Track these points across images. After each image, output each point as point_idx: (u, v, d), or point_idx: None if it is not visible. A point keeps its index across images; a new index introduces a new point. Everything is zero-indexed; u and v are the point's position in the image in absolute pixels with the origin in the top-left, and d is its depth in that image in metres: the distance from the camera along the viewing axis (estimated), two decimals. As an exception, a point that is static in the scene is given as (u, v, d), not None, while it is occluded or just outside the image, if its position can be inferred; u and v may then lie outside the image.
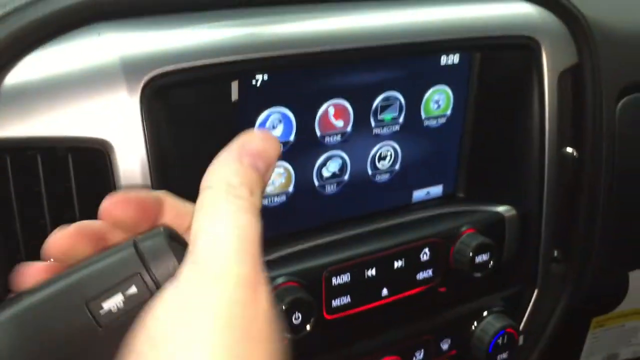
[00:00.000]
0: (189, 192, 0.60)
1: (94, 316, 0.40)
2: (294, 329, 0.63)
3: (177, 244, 0.43)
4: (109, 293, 0.41)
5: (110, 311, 0.41)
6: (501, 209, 0.79)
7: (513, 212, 0.80)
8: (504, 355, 0.80)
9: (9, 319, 0.41)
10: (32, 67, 0.53)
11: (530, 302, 0.86)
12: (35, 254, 0.55)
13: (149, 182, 0.56)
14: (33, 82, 0.53)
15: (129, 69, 0.54)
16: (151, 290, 0.41)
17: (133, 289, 0.41)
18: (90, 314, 0.40)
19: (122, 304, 0.41)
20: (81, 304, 0.40)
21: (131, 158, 0.55)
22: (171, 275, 0.41)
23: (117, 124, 0.54)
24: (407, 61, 0.71)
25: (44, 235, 0.54)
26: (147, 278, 0.41)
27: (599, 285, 0.97)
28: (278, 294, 0.63)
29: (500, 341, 0.80)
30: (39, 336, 0.40)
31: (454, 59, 0.74)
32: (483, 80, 0.77)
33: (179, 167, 0.59)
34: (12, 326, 0.40)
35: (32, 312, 0.41)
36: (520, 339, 0.83)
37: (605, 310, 1.05)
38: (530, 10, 0.78)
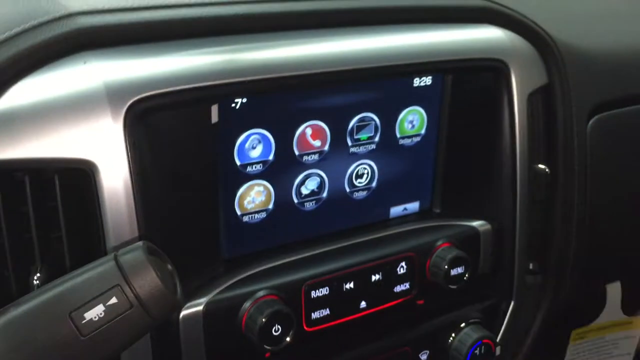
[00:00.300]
0: (170, 210, 0.64)
1: (76, 326, 0.43)
2: (274, 341, 0.66)
3: (156, 258, 0.47)
4: (90, 304, 0.44)
5: (91, 321, 0.43)
6: (476, 223, 0.82)
7: (487, 226, 0.83)
8: (482, 365, 0.83)
9: None
10: (21, 93, 0.56)
11: (507, 313, 0.88)
12: (22, 271, 0.58)
13: (132, 201, 0.59)
14: (22, 107, 0.56)
15: (112, 94, 0.58)
16: (131, 301, 0.44)
17: (113, 300, 0.44)
18: (73, 324, 0.43)
19: (103, 314, 0.44)
20: (64, 314, 0.43)
21: (115, 178, 0.58)
22: (150, 286, 0.44)
23: (102, 146, 0.58)
24: (382, 84, 0.75)
25: (32, 252, 0.58)
26: (127, 289, 0.44)
27: (577, 297, 0.99)
28: (258, 307, 0.66)
29: (477, 352, 0.82)
30: (24, 346, 0.43)
31: (426, 80, 0.78)
32: (455, 101, 0.80)
33: (161, 186, 0.62)
34: None
35: (17, 323, 0.44)
36: (498, 350, 0.85)
37: (584, 322, 1.08)
38: (500, 34, 0.81)
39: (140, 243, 0.46)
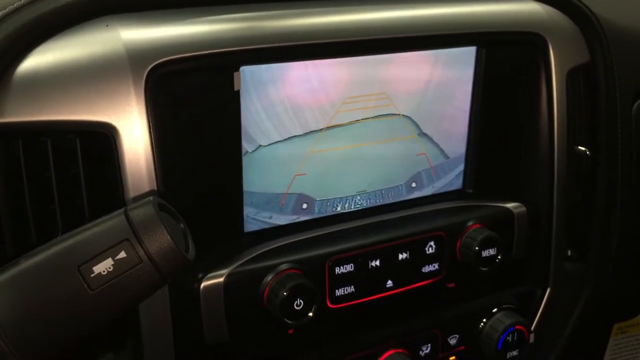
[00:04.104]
0: (192, 177, 0.63)
1: (85, 279, 0.43)
2: (296, 316, 0.65)
3: (165, 214, 0.46)
4: (99, 257, 0.43)
5: (100, 275, 0.43)
6: (510, 205, 0.79)
7: (522, 208, 0.80)
8: (514, 352, 0.80)
9: (6, 281, 0.43)
10: (44, 56, 0.56)
11: (542, 301, 0.85)
12: (45, 238, 0.58)
13: (152, 166, 0.58)
14: (45, 70, 0.56)
15: (134, 58, 0.57)
16: (140, 256, 0.43)
17: (122, 254, 0.43)
18: (82, 277, 0.43)
19: (112, 267, 0.43)
20: (73, 267, 0.43)
21: (135, 143, 0.58)
22: (159, 242, 0.43)
23: (123, 110, 0.57)
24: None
25: (54, 220, 0.58)
26: (136, 244, 0.43)
27: (620, 289, 0.95)
28: (280, 281, 0.65)
29: (509, 338, 0.79)
30: (33, 297, 0.43)
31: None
32: (490, 76, 0.77)
33: (182, 153, 0.61)
34: (8, 288, 0.43)
35: (26, 275, 0.43)
36: (531, 337, 0.82)
37: (628, 315, 1.03)
38: (538, 8, 0.79)
39: (150, 198, 0.45)
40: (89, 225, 0.45)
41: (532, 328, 0.84)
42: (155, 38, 0.59)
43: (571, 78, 0.80)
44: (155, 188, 0.58)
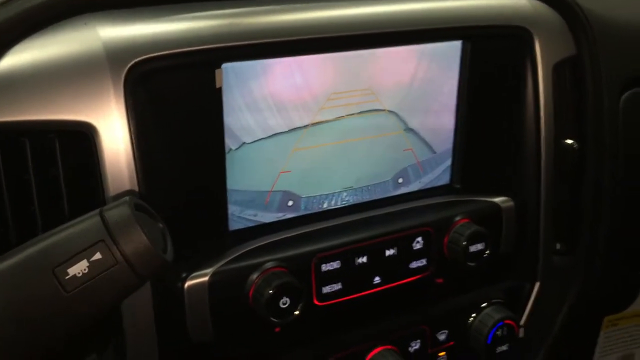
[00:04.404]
0: (174, 176, 0.62)
1: (59, 282, 0.42)
2: (282, 314, 0.64)
3: (142, 213, 0.45)
4: (74, 259, 0.42)
5: (75, 277, 0.42)
6: (498, 199, 0.79)
7: (510, 202, 0.79)
8: (504, 347, 0.80)
9: None
10: (22, 55, 0.56)
11: (531, 295, 0.85)
12: (25, 241, 0.57)
13: (132, 166, 0.58)
14: (23, 69, 0.55)
15: (112, 56, 0.57)
16: (115, 258, 0.43)
17: (97, 255, 0.43)
18: (57, 280, 0.42)
19: (87, 269, 0.42)
20: (48, 269, 0.42)
21: (115, 142, 0.57)
22: (135, 243, 0.43)
23: (102, 109, 0.57)
24: (396, 51, 0.72)
25: (34, 222, 0.57)
26: (112, 245, 0.43)
27: (609, 282, 0.95)
28: (266, 279, 0.64)
29: (499, 333, 0.79)
30: (8, 300, 0.42)
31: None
32: (475, 70, 0.77)
33: (163, 152, 0.61)
34: None
35: (1, 277, 0.43)
36: (521, 332, 0.82)
37: (618, 308, 1.03)
38: (523, 1, 0.78)
39: (126, 198, 0.45)
40: (64, 226, 0.44)
41: (522, 322, 0.84)
42: (134, 36, 0.58)
43: (557, 71, 0.80)
44: (137, 188, 0.58)
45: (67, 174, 0.57)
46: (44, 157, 0.57)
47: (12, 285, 0.42)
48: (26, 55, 0.56)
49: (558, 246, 0.87)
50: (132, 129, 0.57)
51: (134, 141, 0.57)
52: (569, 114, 0.83)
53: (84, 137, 0.57)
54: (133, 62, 0.57)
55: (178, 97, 0.61)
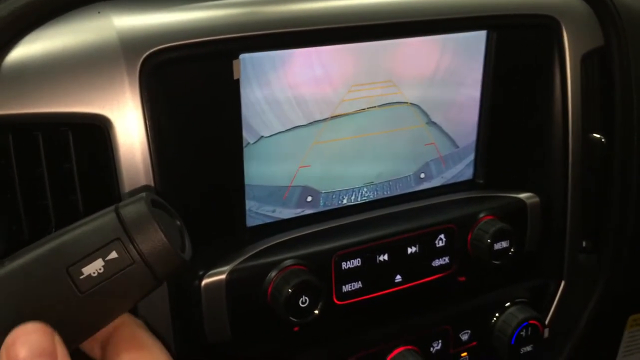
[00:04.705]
0: (190, 171, 0.60)
1: (74, 282, 0.40)
2: (301, 313, 0.62)
3: (159, 210, 0.43)
4: (89, 258, 0.40)
5: (90, 276, 0.40)
6: (523, 195, 0.77)
7: (536, 199, 0.77)
8: (528, 348, 0.77)
9: None
10: (33, 45, 0.54)
11: (557, 294, 0.82)
12: (38, 235, 0.55)
13: (148, 161, 0.56)
14: (34, 60, 0.53)
15: (127, 46, 0.55)
16: (132, 257, 0.41)
17: (113, 254, 0.41)
18: (71, 280, 0.40)
19: (102, 269, 0.40)
20: (62, 269, 0.40)
21: (130, 135, 0.55)
22: (153, 241, 0.41)
23: (117, 101, 0.55)
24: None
25: (47, 217, 0.55)
26: (128, 243, 0.41)
27: (635, 280, 0.92)
28: (285, 277, 0.62)
29: (523, 333, 0.76)
30: (20, 300, 0.40)
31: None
32: (500, 62, 0.74)
33: (180, 146, 0.59)
34: None
35: (12, 277, 0.41)
36: (546, 332, 0.79)
37: (643, 307, 1.00)
38: (551, -11, 0.75)
39: (142, 194, 0.43)
40: (78, 223, 0.42)
41: (546, 322, 0.81)
42: (149, 25, 0.56)
43: (585, 62, 0.77)
44: (152, 183, 0.56)
45: (81, 168, 0.56)
46: (58, 151, 0.55)
47: (25, 285, 0.40)
48: (38, 45, 0.54)
49: (584, 244, 0.84)
50: (147, 122, 0.55)
51: (149, 134, 0.55)
52: (597, 107, 0.80)
53: (98, 130, 0.55)
54: (148, 52, 0.55)
55: (194, 89, 0.59)
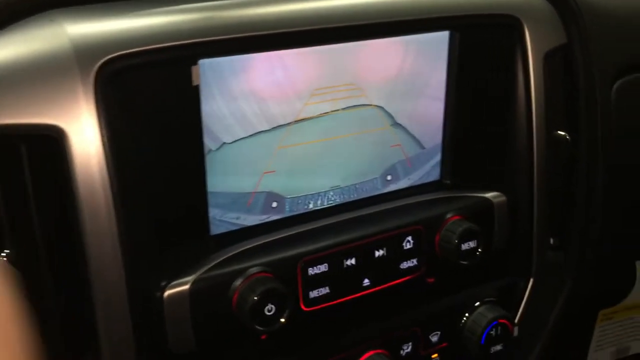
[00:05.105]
0: (150, 180, 0.59)
1: None
2: (268, 321, 0.61)
3: None
4: None
5: None
6: (489, 195, 0.77)
7: (502, 198, 0.77)
8: (498, 347, 0.77)
9: None
10: (-18, 55, 0.52)
11: (525, 292, 0.82)
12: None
13: (105, 171, 0.54)
14: (-16, 70, 0.52)
15: (81, 54, 0.53)
16: None
17: None
18: None
19: None
20: None
21: (86, 145, 0.54)
22: None
23: (71, 111, 0.53)
24: (382, 43, 0.69)
25: (1, 232, 0.54)
26: None
27: (603, 276, 0.93)
28: (250, 285, 0.61)
29: (493, 332, 0.76)
30: None
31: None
32: (464, 62, 0.74)
33: (138, 155, 0.57)
34: None
35: None
36: (515, 331, 0.80)
37: (612, 302, 1.01)
38: (512, -12, 0.75)
39: None
40: None
41: (516, 320, 0.81)
42: (104, 32, 0.55)
43: (548, 61, 0.77)
44: (110, 193, 0.54)
45: (36, 180, 0.54)
46: (10, 162, 0.53)
47: None
48: (-12, 55, 0.52)
49: (552, 241, 0.84)
50: (103, 132, 0.54)
51: (106, 144, 0.54)
52: (561, 104, 0.80)
53: (53, 141, 0.53)
54: (103, 60, 0.53)
55: (152, 96, 0.58)
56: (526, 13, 0.75)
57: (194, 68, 0.59)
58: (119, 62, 0.54)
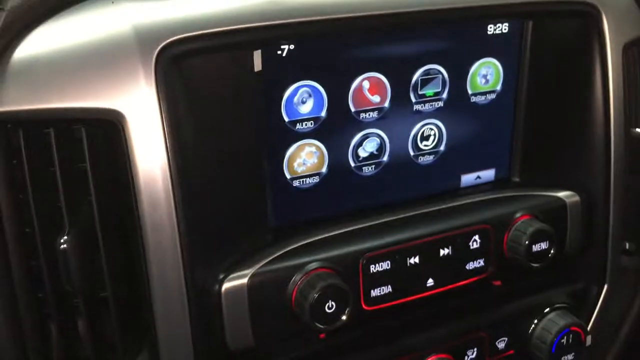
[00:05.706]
0: (209, 169, 0.57)
1: None
2: (328, 319, 0.59)
3: None
4: None
5: None
6: (562, 194, 0.72)
7: (576, 197, 0.73)
8: (569, 356, 0.73)
9: None
10: (44, 38, 0.52)
11: (599, 299, 0.77)
12: (50, 238, 0.53)
13: (165, 156, 0.53)
14: (45, 53, 0.51)
15: (142, 37, 0.52)
16: None
17: None
18: None
19: None
20: None
21: (146, 131, 0.52)
22: None
23: (131, 95, 0.52)
24: (450, 31, 0.66)
25: (61, 217, 0.53)
26: None
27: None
28: (310, 281, 0.59)
29: (564, 341, 0.72)
30: None
31: (502, 28, 0.68)
32: (537, 53, 0.70)
33: (197, 142, 0.56)
34: None
35: None
36: (588, 340, 0.75)
37: (691, 313, 0.95)
38: (590, -25, 0.71)
39: None
40: None
41: (588, 329, 0.77)
42: (165, 15, 0.54)
43: (627, 52, 0.73)
44: (169, 181, 0.53)
45: (96, 165, 0.53)
46: (71, 147, 0.52)
47: None
48: (48, 38, 0.51)
49: (627, 245, 0.79)
50: (164, 117, 0.52)
51: (166, 130, 0.53)
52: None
53: (113, 126, 0.52)
54: (164, 43, 0.52)
55: (214, 81, 0.56)
56: (605, 2, 0.70)
57: (255, 53, 0.57)
58: (180, 45, 0.53)
